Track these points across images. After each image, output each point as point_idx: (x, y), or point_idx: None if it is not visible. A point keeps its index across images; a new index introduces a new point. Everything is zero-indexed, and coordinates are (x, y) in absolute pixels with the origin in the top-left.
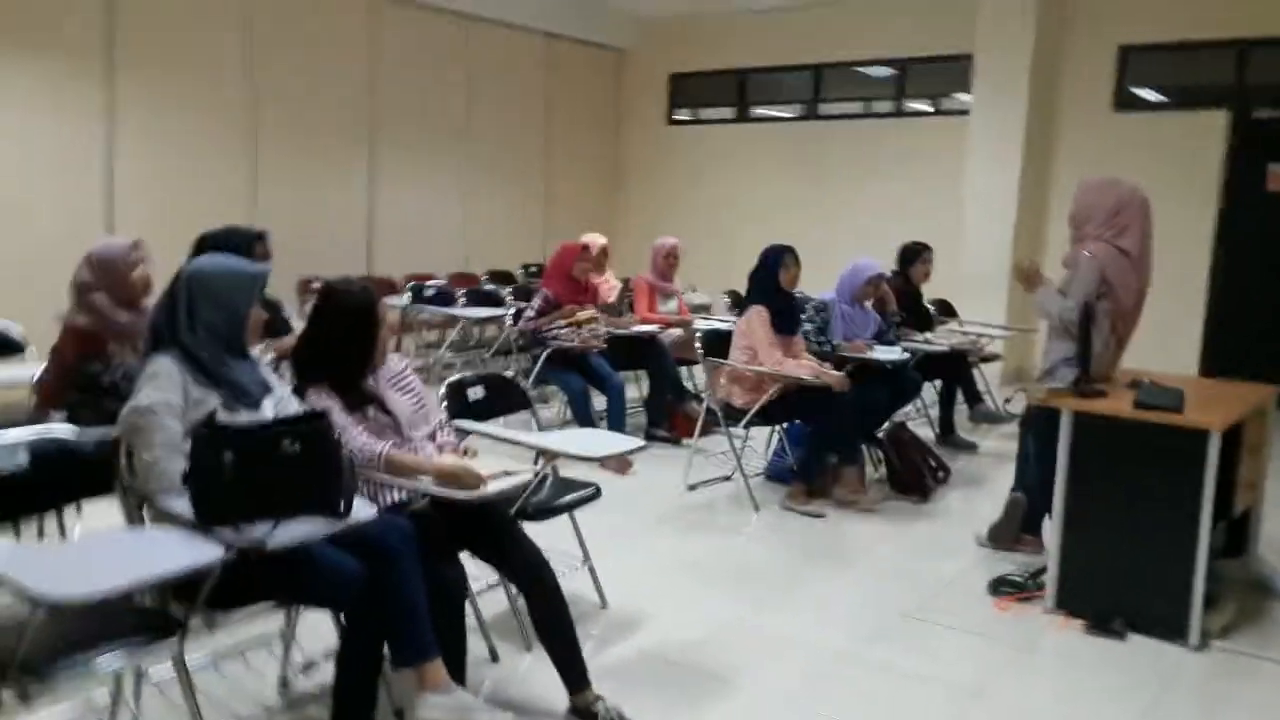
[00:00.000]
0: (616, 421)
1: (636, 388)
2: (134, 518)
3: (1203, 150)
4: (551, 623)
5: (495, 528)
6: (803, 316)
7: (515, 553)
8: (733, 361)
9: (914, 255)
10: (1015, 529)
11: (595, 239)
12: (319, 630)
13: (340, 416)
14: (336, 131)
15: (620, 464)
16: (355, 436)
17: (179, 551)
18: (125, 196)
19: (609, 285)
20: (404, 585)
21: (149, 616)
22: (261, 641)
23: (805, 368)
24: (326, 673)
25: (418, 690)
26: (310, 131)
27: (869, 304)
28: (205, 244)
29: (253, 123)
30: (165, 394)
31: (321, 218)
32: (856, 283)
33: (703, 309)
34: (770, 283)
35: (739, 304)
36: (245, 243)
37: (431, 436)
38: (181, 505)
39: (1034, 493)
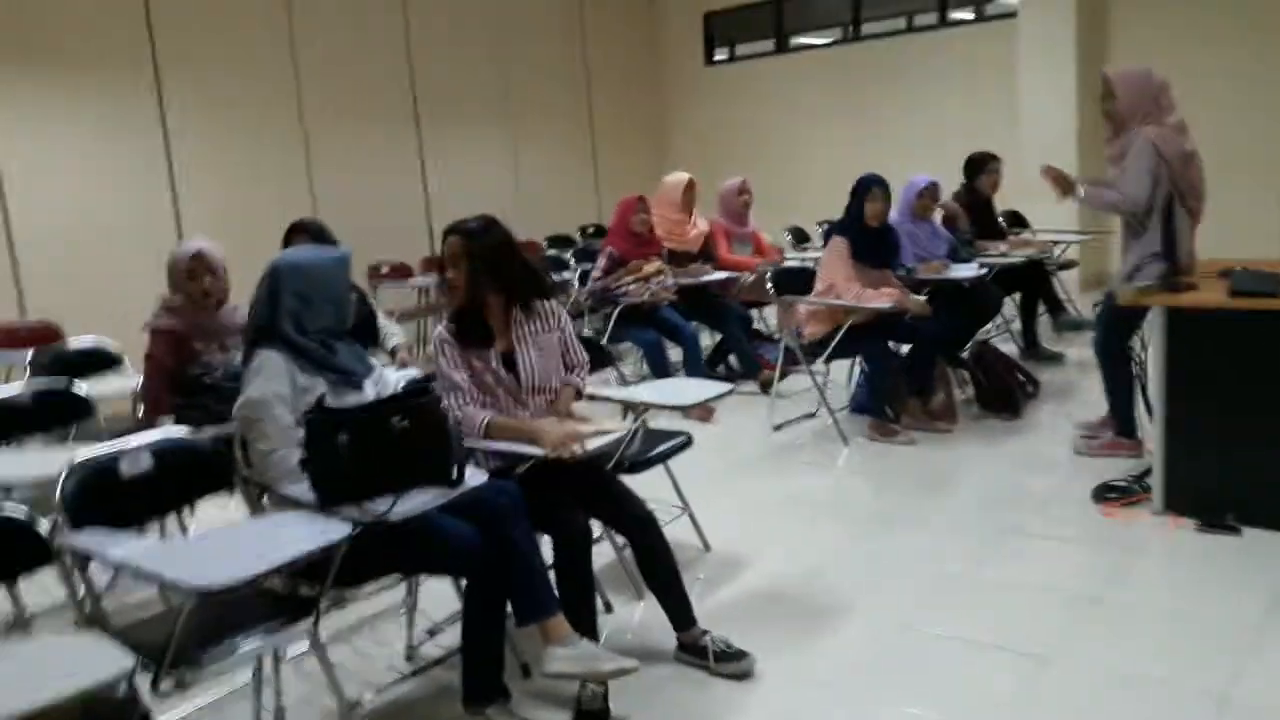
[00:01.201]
0: (694, 370)
1: (709, 336)
2: (255, 508)
3: (1270, 18)
4: (659, 569)
5: (600, 483)
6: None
7: (621, 505)
8: (811, 296)
9: (980, 166)
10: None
11: (680, 177)
12: (440, 597)
13: (449, 376)
14: (381, 115)
15: (703, 411)
16: (459, 405)
17: (309, 533)
18: (189, 201)
19: (697, 231)
20: (519, 545)
21: (282, 600)
22: (388, 613)
23: (885, 295)
24: (451, 636)
25: (542, 644)
26: (355, 117)
27: (938, 220)
28: (297, 230)
29: (298, 115)
30: (274, 385)
31: (378, 202)
32: (910, 198)
33: (776, 249)
34: (855, 214)
35: (802, 238)
36: (330, 239)
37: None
38: (300, 490)
39: (1118, 396)
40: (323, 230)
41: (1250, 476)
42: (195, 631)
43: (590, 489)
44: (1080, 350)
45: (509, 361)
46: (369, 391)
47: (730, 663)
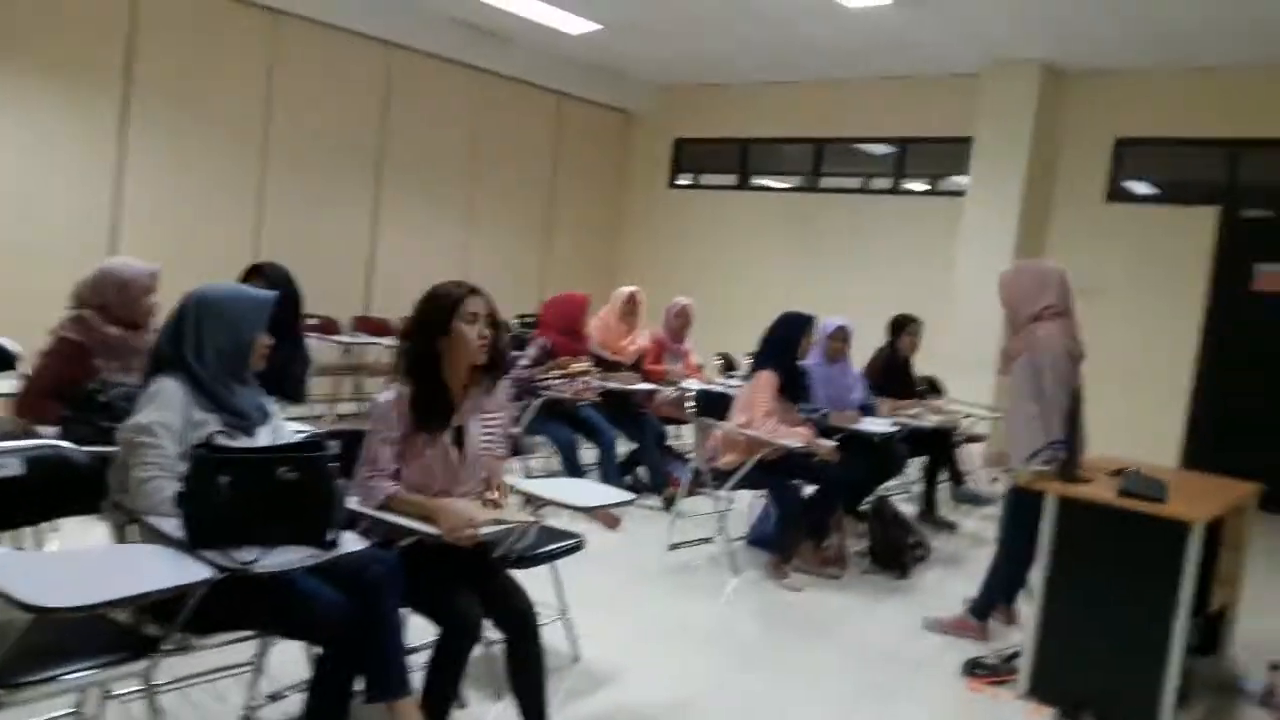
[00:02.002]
0: (609, 473)
1: (623, 444)
2: (120, 535)
3: (1192, 246)
4: (529, 671)
5: (487, 571)
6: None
7: (506, 599)
8: (729, 424)
9: (901, 326)
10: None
11: (623, 291)
12: (289, 661)
13: (377, 447)
14: (343, 172)
15: (608, 518)
16: (369, 475)
17: (167, 570)
18: (131, 220)
19: (635, 346)
20: (386, 619)
21: (124, 634)
22: (231, 669)
23: (799, 434)
24: (292, 705)
25: None
26: (318, 169)
27: (852, 365)
28: (254, 272)
29: (262, 157)
30: (165, 414)
31: (322, 255)
32: (822, 341)
33: (697, 369)
34: (789, 349)
35: (729, 367)
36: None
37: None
38: (170, 525)
39: (995, 575)
40: (286, 279)
41: (1111, 674)
42: (24, 652)
43: (475, 575)
44: (976, 523)
45: (459, 439)
46: (262, 439)
47: None
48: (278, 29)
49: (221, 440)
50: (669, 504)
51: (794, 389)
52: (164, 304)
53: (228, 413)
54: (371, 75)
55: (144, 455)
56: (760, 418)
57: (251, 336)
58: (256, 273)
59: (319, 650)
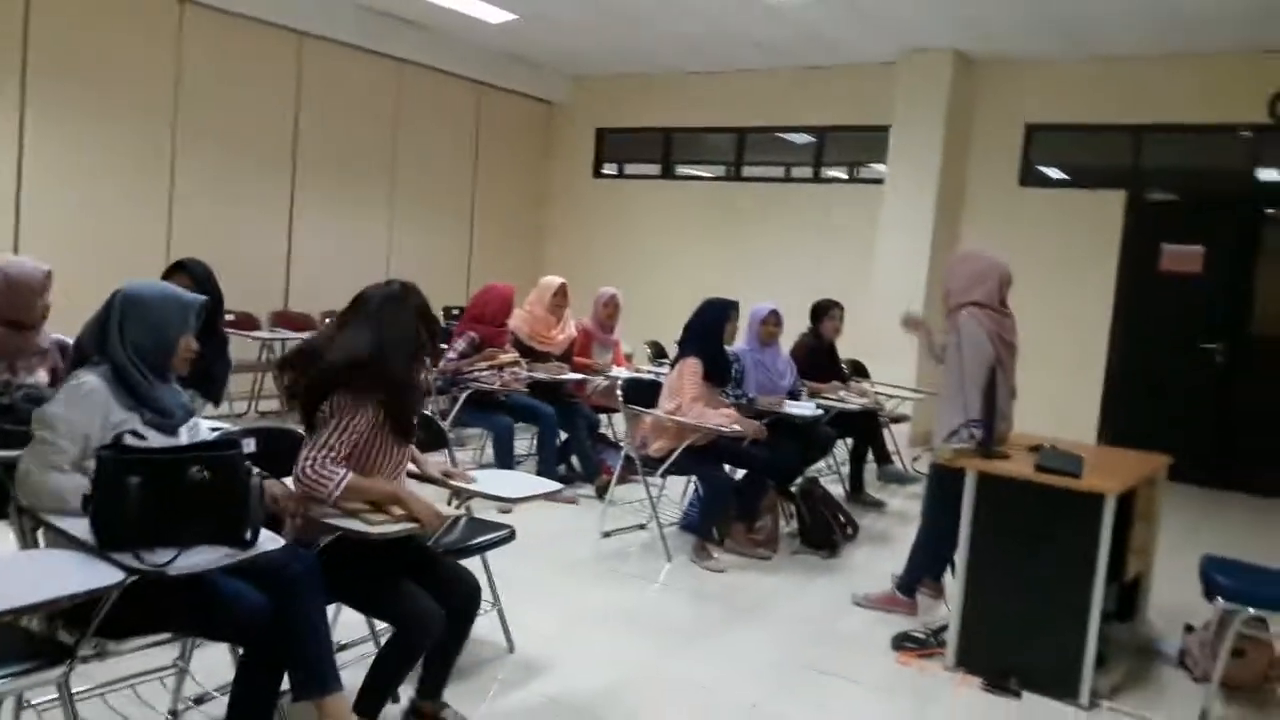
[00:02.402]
0: (547, 458)
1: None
2: (27, 541)
3: (1102, 228)
4: (454, 640)
5: (430, 558)
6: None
7: (454, 581)
8: (658, 411)
9: (823, 311)
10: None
11: (552, 281)
12: (213, 662)
13: (331, 431)
14: (258, 164)
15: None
16: (320, 460)
17: (75, 575)
18: (33, 218)
19: (563, 336)
20: (308, 616)
21: (36, 642)
22: (153, 672)
23: (726, 415)
24: (219, 706)
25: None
26: (230, 162)
27: (782, 349)
28: (177, 269)
29: (171, 150)
30: (72, 411)
31: (238, 250)
32: (755, 326)
33: (626, 358)
34: (713, 335)
35: (660, 354)
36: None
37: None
38: (78, 528)
39: (918, 550)
40: (207, 276)
41: (1033, 643)
42: None
43: (417, 565)
44: (903, 502)
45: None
46: (183, 438)
47: None
48: (184, 16)
49: (130, 440)
50: (601, 492)
51: (719, 374)
52: (64, 304)
53: (150, 410)
54: (283, 66)
55: (34, 447)
56: (688, 402)
57: (176, 338)
58: (180, 269)
59: (242, 651)
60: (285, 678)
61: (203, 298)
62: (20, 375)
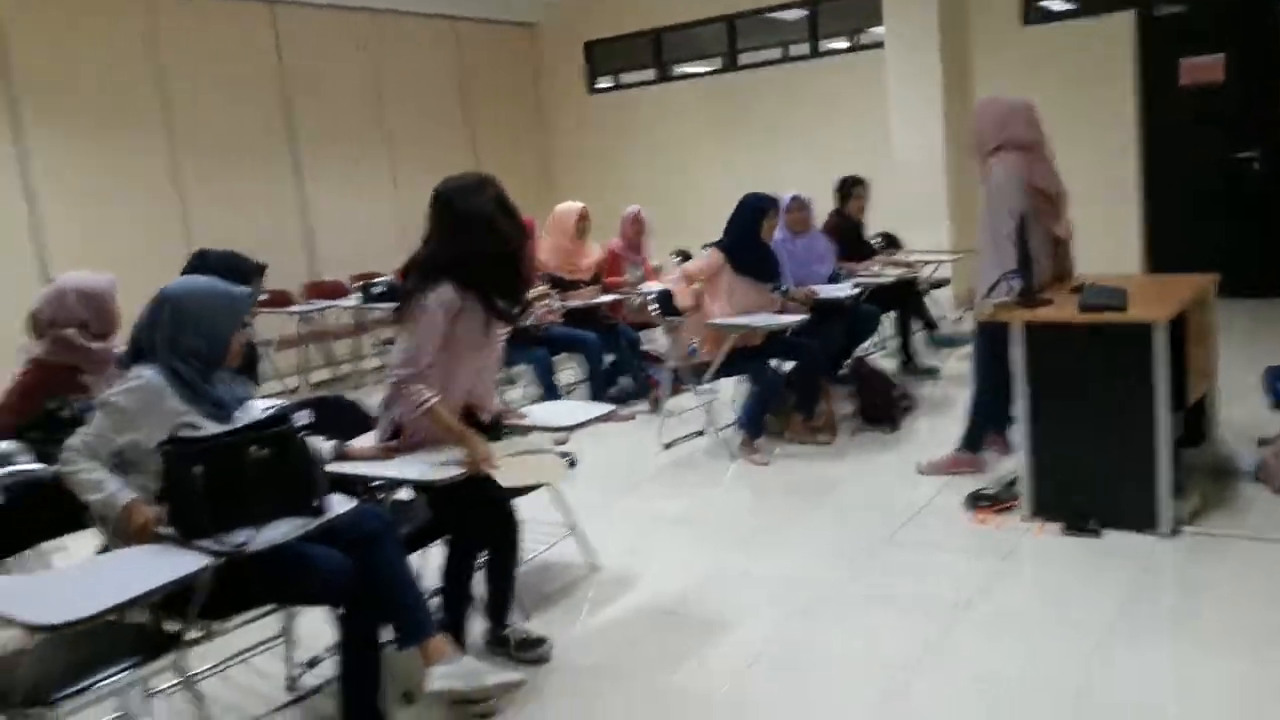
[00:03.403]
0: (597, 378)
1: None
2: (113, 544)
3: (1115, 54)
4: (506, 569)
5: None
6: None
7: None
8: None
9: (846, 190)
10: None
11: (572, 206)
12: (316, 626)
13: (427, 338)
14: (256, 143)
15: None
16: (414, 370)
17: (163, 567)
18: (54, 232)
19: (589, 260)
20: (391, 568)
21: (145, 634)
22: (264, 644)
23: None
24: (330, 667)
25: (424, 665)
26: (229, 146)
27: (820, 236)
28: (205, 262)
29: (169, 142)
30: (130, 400)
31: (255, 232)
32: (781, 215)
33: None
34: (741, 230)
35: (687, 261)
36: (245, 273)
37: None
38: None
39: (979, 408)
40: (227, 265)
41: (1107, 481)
42: (52, 670)
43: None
44: (957, 364)
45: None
46: (239, 423)
47: (530, 649)
48: (158, 10)
49: (186, 433)
50: (655, 406)
51: (755, 268)
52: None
53: (207, 403)
54: (262, 39)
55: (85, 427)
56: (675, 280)
57: (229, 337)
58: (201, 258)
59: (339, 611)
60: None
61: (249, 290)
62: (102, 387)
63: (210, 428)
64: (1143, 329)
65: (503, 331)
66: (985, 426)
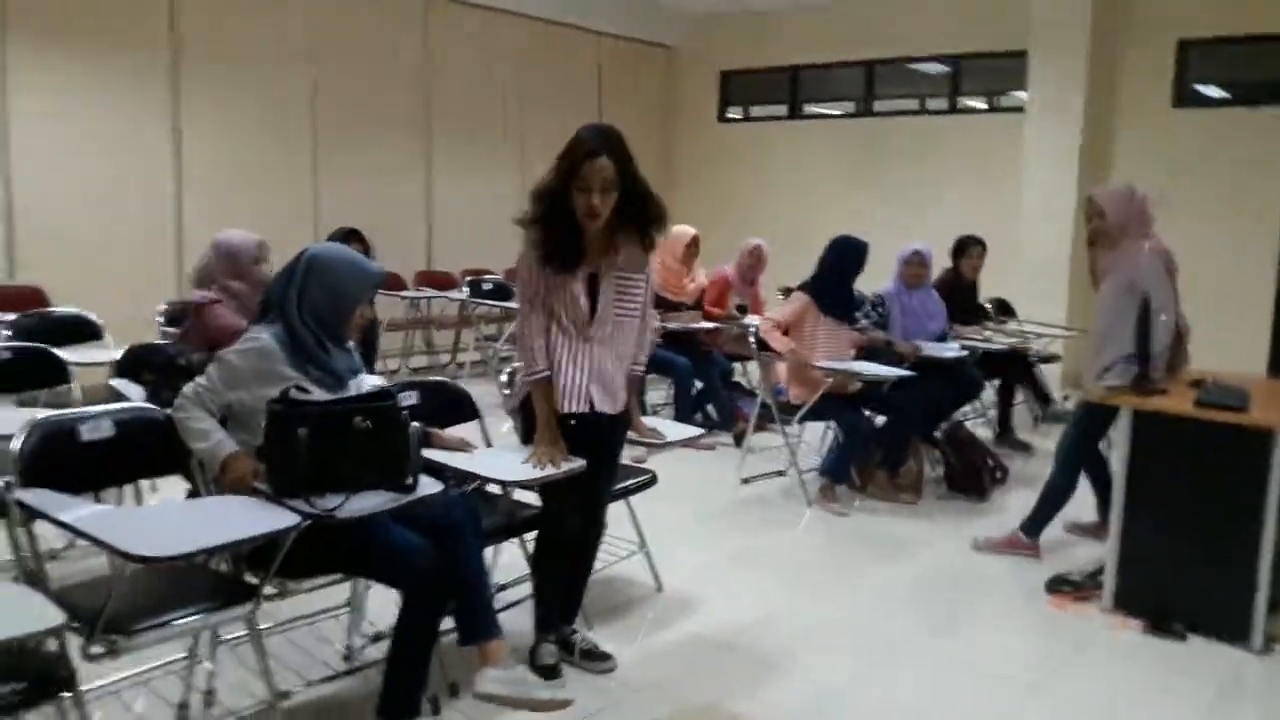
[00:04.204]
0: (682, 408)
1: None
2: (209, 489)
3: (1267, 148)
4: (584, 566)
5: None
6: (858, 313)
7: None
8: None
9: (962, 249)
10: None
11: (686, 231)
12: (387, 601)
13: (529, 296)
14: (393, 128)
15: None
16: (531, 331)
17: (256, 519)
18: (192, 190)
19: (694, 285)
20: (469, 563)
21: (225, 582)
22: (333, 611)
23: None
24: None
25: (479, 664)
26: (368, 128)
27: (933, 292)
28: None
29: (311, 120)
30: (243, 361)
31: (380, 213)
32: (899, 267)
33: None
34: (830, 271)
35: None
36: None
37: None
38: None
39: (1054, 492)
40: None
41: (1199, 585)
42: (133, 602)
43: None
44: (1051, 444)
45: (592, 289)
46: (350, 392)
47: (595, 661)
48: None
49: (296, 394)
50: (739, 440)
51: (838, 308)
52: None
53: (319, 370)
54: (411, 29)
55: (199, 378)
56: (767, 328)
57: (354, 305)
58: (355, 237)
59: (404, 595)
60: (445, 620)
61: (384, 270)
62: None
63: (318, 394)
64: (1262, 434)
65: (623, 313)
66: (1052, 513)
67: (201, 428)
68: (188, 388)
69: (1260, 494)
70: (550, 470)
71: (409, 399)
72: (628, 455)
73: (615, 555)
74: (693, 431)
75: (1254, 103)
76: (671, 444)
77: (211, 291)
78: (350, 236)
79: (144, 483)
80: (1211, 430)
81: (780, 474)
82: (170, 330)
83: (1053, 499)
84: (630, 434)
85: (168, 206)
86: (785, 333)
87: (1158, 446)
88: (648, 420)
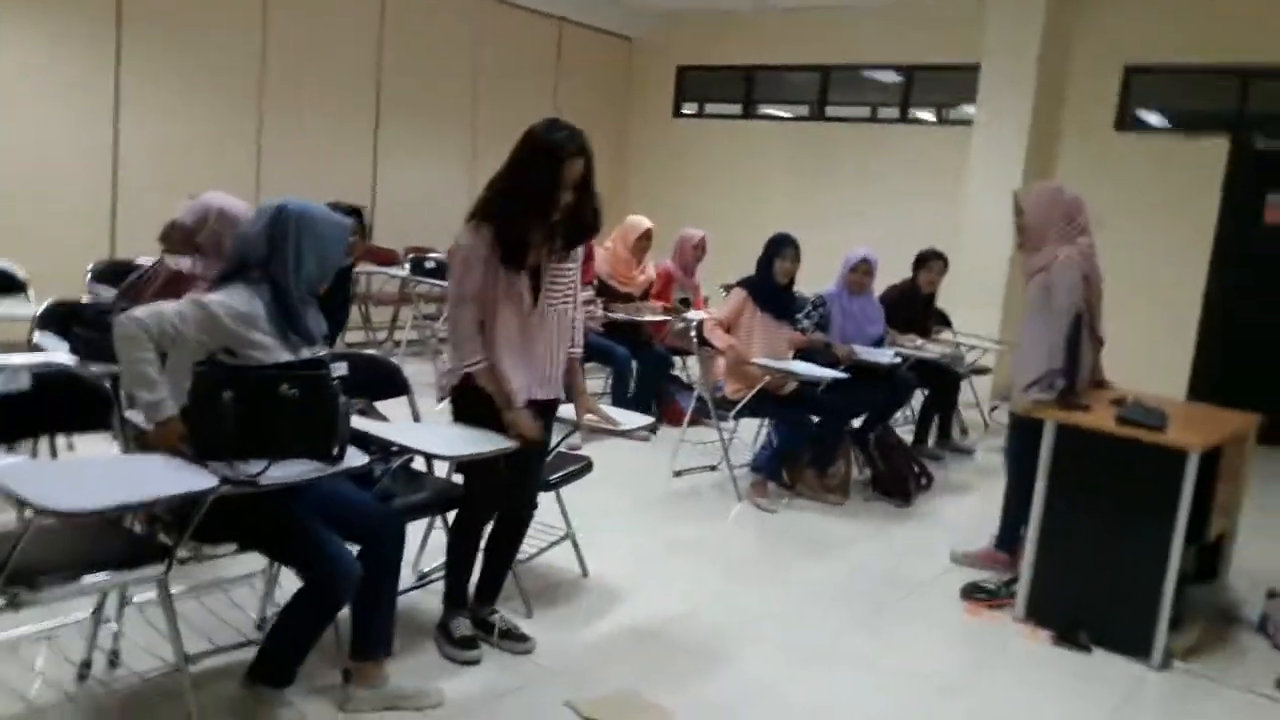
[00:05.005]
0: (620, 395)
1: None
2: (130, 447)
3: (1203, 175)
4: (508, 547)
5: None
6: (799, 315)
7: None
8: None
9: (922, 261)
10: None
11: (640, 222)
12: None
13: (465, 287)
14: (341, 103)
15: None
16: (465, 320)
17: (175, 478)
18: (130, 151)
19: (644, 277)
20: (384, 582)
21: (138, 542)
22: (245, 577)
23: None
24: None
25: (356, 683)
26: (314, 102)
27: (874, 298)
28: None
29: (258, 87)
30: (230, 305)
31: (322, 187)
32: (844, 272)
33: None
34: (763, 269)
35: None
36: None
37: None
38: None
39: (1010, 505)
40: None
41: (1107, 598)
42: (41, 556)
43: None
44: (985, 454)
45: (535, 282)
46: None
47: (513, 641)
48: None
49: (224, 358)
50: (654, 428)
51: (774, 306)
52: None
53: (299, 335)
54: (367, 6)
55: (168, 310)
56: (710, 326)
57: (336, 264)
58: (356, 215)
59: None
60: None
61: (352, 221)
62: None
63: (284, 356)
64: (1176, 455)
65: (557, 300)
66: (1018, 521)
67: (152, 375)
68: (147, 319)
69: (1171, 514)
70: (493, 446)
71: (339, 370)
72: (564, 443)
73: (543, 541)
74: (646, 420)
75: (1192, 131)
76: (630, 431)
77: (195, 261)
78: (351, 214)
79: (61, 440)
80: (1129, 448)
81: (712, 468)
82: (101, 287)
83: (1014, 508)
84: (588, 417)
85: (105, 165)
86: (728, 330)
87: (1077, 461)
88: (606, 409)
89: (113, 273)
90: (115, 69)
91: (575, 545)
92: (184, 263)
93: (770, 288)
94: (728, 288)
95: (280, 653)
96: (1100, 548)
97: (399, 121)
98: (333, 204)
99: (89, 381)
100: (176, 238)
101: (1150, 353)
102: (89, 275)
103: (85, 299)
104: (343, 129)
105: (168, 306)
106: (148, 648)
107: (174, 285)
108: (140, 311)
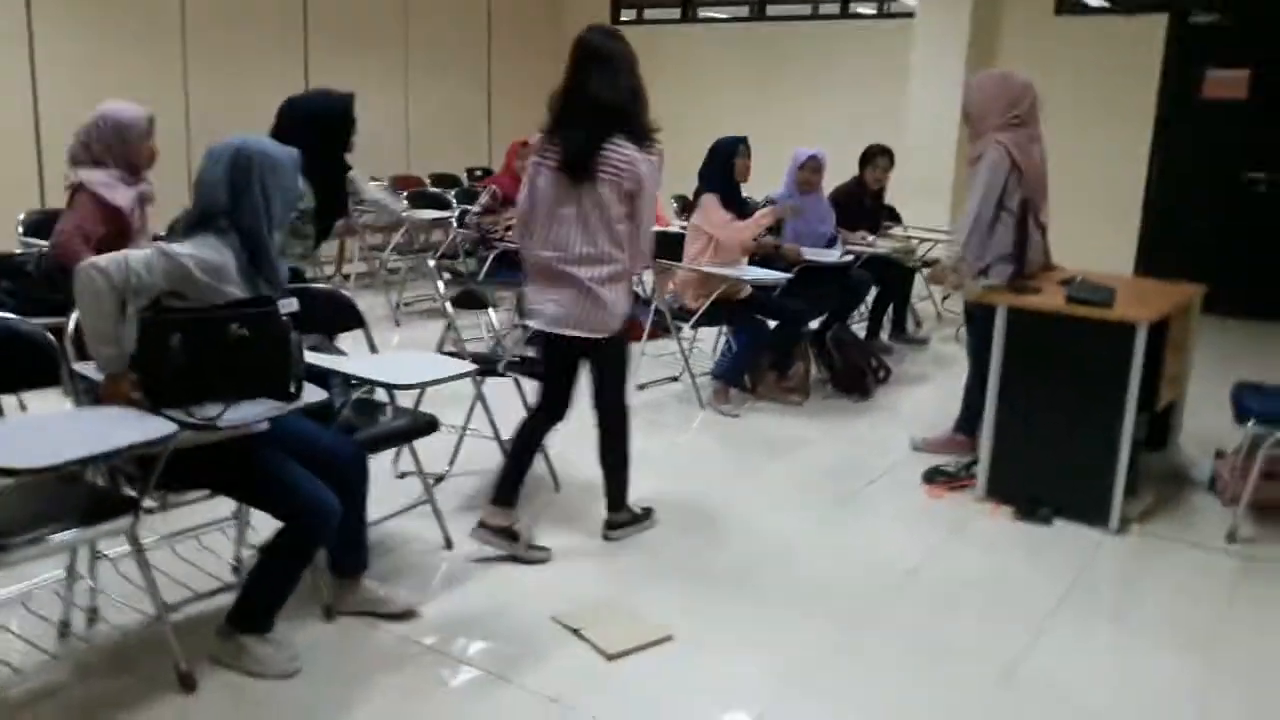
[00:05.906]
0: None
1: None
2: (81, 401)
3: (1143, 55)
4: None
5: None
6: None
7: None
8: (688, 257)
9: (868, 158)
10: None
11: None
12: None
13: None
14: (269, 29)
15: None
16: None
17: (132, 428)
18: (49, 95)
19: None
20: (358, 505)
21: (101, 497)
22: (216, 523)
23: (756, 224)
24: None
25: (346, 590)
26: (241, 29)
27: (823, 197)
28: (297, 108)
29: (180, 19)
30: (202, 254)
31: (253, 117)
32: (793, 171)
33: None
34: (724, 172)
35: (687, 208)
36: (344, 107)
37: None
38: (89, 368)
39: (972, 392)
40: (330, 102)
41: (1064, 472)
42: (4, 517)
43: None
44: (940, 344)
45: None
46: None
47: (536, 550)
48: None
49: (172, 301)
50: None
51: (738, 207)
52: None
53: (269, 284)
54: None
55: (133, 260)
56: (726, 228)
57: (296, 195)
58: (291, 106)
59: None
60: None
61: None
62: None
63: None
64: (1125, 328)
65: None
66: (979, 410)
67: (112, 330)
68: (108, 263)
69: (1122, 386)
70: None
71: (289, 306)
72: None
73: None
74: None
75: (1130, 9)
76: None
77: (96, 171)
78: (292, 105)
79: (10, 400)
80: (1079, 325)
81: (674, 379)
82: (32, 241)
83: (974, 398)
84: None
85: (26, 115)
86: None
87: (1029, 342)
88: None
89: (44, 223)
90: (26, 16)
91: (548, 460)
92: (84, 174)
93: (734, 189)
94: (681, 199)
95: (260, 598)
96: (1056, 423)
97: (328, 51)
98: (324, 91)
99: (33, 337)
100: (76, 152)
101: (1096, 234)
102: (20, 228)
103: (18, 251)
104: (271, 54)
105: (133, 254)
106: (126, 600)
107: (78, 195)
108: (103, 260)
